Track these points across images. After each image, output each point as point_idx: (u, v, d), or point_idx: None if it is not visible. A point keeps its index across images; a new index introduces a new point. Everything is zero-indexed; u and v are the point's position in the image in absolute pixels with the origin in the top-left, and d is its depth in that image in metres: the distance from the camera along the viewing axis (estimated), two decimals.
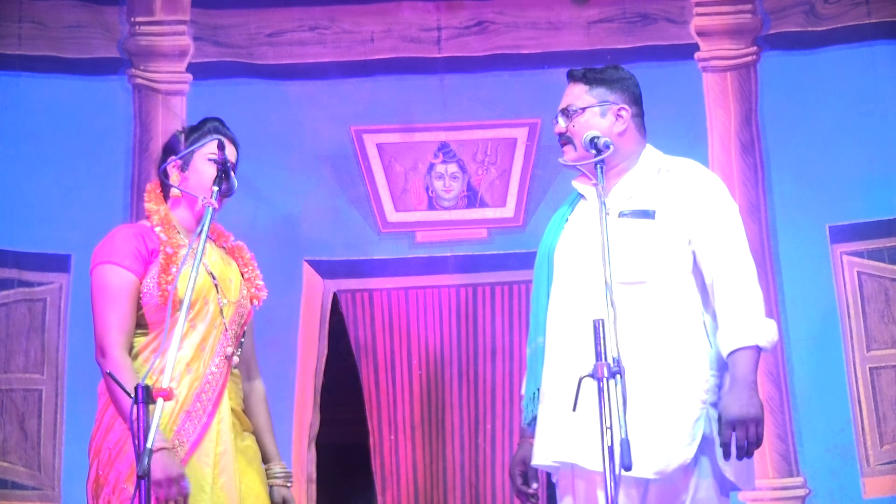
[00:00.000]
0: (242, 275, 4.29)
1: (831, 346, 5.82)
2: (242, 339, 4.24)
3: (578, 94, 4.24)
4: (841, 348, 5.82)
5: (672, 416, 3.98)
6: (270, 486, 4.23)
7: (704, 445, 4.00)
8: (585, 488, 4.00)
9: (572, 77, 4.29)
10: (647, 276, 4.06)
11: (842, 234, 5.89)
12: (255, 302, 4.29)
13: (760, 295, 4.07)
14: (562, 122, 4.22)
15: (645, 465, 3.90)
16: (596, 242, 3.77)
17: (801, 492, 5.76)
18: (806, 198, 5.89)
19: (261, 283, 4.32)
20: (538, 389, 4.17)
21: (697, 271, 4.13)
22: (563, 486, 4.14)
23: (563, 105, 4.25)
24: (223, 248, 4.34)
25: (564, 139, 4.22)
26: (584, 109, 4.20)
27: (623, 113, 4.23)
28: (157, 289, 4.01)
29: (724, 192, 4.23)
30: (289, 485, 4.28)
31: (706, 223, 4.11)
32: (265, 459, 4.27)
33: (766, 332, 4.01)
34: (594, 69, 4.29)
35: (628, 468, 3.39)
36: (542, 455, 4.12)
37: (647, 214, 4.11)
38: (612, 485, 3.42)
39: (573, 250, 4.18)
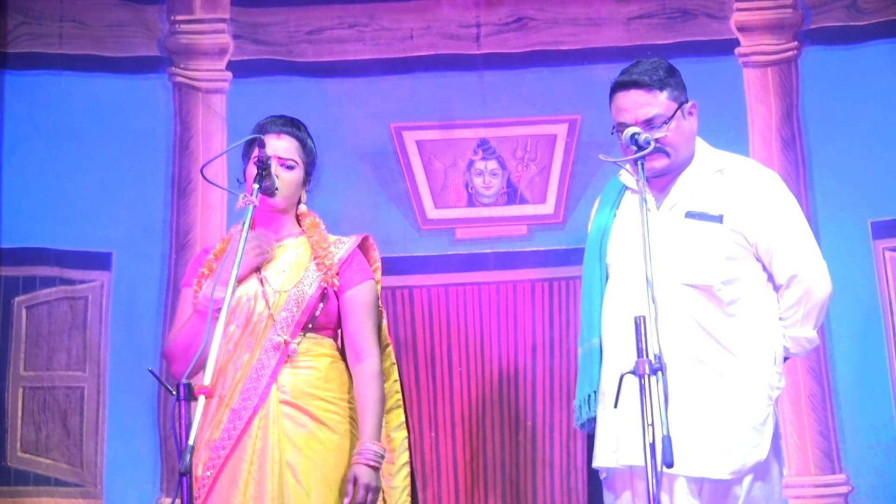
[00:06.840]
0: (315, 260, 4.24)
1: (873, 342, 5.79)
2: (309, 326, 4.17)
3: (662, 102, 4.09)
4: (883, 344, 5.79)
5: (744, 417, 4.02)
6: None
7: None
8: (646, 490, 4.00)
9: (641, 85, 4.09)
10: (715, 279, 4.06)
11: (884, 229, 5.86)
12: (326, 285, 4.20)
13: (823, 301, 4.20)
14: (646, 135, 3.99)
15: (719, 467, 3.97)
16: (650, 241, 3.75)
17: (843, 489, 5.73)
18: (847, 193, 5.86)
19: (329, 262, 4.23)
20: (595, 392, 4.16)
21: (765, 273, 4.15)
22: (620, 486, 4.14)
23: (646, 116, 4.07)
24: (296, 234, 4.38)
25: (655, 149, 4.00)
26: (671, 117, 4.09)
27: (693, 110, 4.20)
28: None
29: (784, 190, 4.24)
30: (363, 462, 4.03)
31: (773, 230, 4.13)
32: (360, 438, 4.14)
33: (809, 349, 4.24)
34: (654, 71, 4.13)
35: (670, 465, 3.40)
36: (606, 457, 4.12)
37: (715, 218, 4.09)
38: (654, 482, 3.43)
39: (628, 249, 4.14)
